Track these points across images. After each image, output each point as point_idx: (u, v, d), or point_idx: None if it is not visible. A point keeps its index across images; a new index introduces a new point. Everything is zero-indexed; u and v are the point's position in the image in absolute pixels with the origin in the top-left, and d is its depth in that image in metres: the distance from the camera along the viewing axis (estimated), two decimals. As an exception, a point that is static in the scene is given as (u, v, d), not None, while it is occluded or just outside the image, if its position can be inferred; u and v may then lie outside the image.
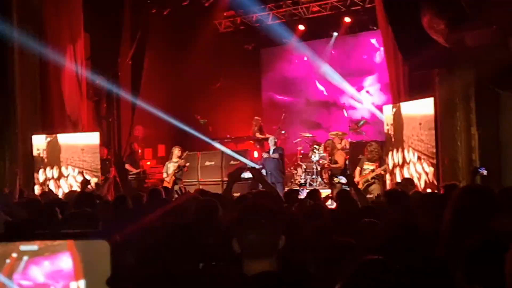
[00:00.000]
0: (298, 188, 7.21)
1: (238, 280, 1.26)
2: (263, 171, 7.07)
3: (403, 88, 6.64)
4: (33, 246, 0.53)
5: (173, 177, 7.62)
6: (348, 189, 4.81)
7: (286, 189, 6.97)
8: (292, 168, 9.52)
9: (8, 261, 0.53)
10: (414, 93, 6.41)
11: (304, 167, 8.86)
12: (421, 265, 1.55)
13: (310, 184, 8.38)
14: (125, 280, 1.53)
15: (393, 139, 6.61)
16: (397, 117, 6.52)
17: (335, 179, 6.57)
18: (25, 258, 0.53)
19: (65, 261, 0.52)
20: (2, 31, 6.56)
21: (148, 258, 1.94)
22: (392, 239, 1.70)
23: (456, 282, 1.45)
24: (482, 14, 5.68)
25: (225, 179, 7.51)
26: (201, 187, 7.21)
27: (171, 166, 7.65)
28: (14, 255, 0.53)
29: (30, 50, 7.10)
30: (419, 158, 6.06)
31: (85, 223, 2.36)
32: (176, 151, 7.80)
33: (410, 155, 6.22)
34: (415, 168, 6.09)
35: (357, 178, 6.18)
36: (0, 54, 7.13)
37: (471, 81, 6.08)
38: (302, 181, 8.67)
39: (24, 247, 0.54)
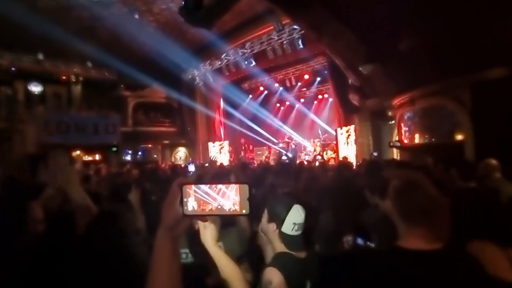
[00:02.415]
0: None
1: None
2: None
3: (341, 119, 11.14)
4: (222, 186, 0.74)
5: None
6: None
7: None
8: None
9: (214, 191, 0.74)
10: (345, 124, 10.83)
11: None
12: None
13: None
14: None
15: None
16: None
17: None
18: (221, 188, 0.74)
19: (235, 190, 0.73)
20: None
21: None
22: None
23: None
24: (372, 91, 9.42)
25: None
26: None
27: None
28: (218, 187, 0.74)
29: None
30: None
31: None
32: None
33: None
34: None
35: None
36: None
37: (369, 119, 10.18)
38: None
39: (220, 186, 0.74)
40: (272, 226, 1.52)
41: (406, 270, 1.02)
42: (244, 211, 0.74)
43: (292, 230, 1.47)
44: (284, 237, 1.49)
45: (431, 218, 1.11)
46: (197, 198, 0.76)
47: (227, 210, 0.75)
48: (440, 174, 2.74)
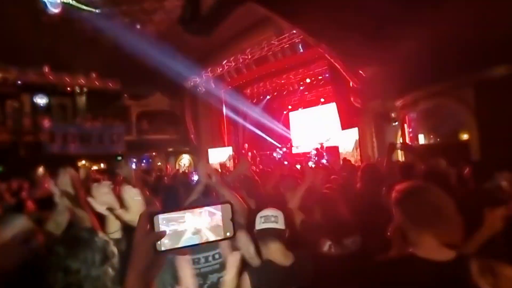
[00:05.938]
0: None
1: None
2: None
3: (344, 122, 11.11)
4: (200, 210, 0.66)
5: None
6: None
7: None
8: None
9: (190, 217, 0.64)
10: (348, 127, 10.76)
11: None
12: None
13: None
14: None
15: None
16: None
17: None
18: (200, 212, 0.65)
19: (215, 212, 0.66)
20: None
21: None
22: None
23: None
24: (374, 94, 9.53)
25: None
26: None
27: None
28: (195, 212, 0.65)
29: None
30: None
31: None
32: None
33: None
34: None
35: None
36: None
37: (372, 121, 10.33)
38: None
39: (198, 209, 0.66)
40: None
41: (419, 280, 0.97)
42: (228, 234, 0.66)
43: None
44: None
45: (441, 222, 1.07)
46: (171, 229, 0.64)
47: (208, 237, 0.65)
48: (449, 175, 2.68)
